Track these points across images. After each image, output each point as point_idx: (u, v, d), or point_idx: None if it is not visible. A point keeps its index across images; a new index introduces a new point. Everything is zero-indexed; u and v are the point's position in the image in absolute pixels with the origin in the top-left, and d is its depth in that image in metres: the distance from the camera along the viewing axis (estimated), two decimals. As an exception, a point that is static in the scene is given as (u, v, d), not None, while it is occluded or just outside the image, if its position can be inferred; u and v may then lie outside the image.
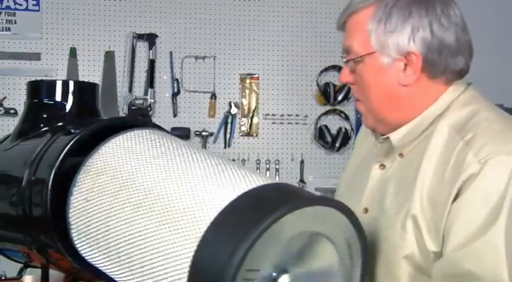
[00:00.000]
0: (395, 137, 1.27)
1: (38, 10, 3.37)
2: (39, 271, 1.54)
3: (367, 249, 1.13)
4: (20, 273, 1.68)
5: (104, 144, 1.38)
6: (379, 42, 1.21)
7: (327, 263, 1.09)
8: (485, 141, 1.15)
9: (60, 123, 1.58)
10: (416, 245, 1.19)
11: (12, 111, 3.31)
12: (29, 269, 1.68)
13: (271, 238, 0.96)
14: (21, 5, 3.36)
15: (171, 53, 3.51)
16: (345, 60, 1.28)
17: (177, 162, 1.14)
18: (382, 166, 1.32)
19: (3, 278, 1.67)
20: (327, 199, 1.09)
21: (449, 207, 1.14)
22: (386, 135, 1.29)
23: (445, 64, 1.22)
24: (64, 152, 1.40)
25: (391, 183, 1.28)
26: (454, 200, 1.14)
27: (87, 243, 1.29)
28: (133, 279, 1.11)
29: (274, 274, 1.01)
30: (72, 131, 1.49)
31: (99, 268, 1.25)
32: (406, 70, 1.21)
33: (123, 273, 1.16)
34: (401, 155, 1.28)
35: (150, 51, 3.48)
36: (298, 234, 1.02)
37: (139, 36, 3.47)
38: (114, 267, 1.19)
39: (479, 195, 1.12)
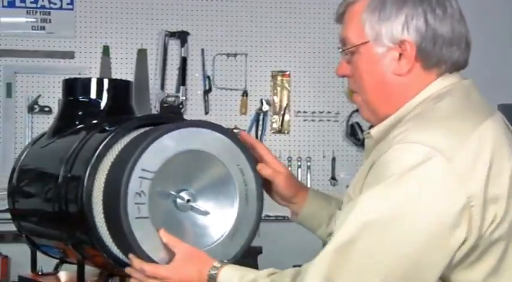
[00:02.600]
0: (375, 131, 1.26)
1: (72, 9, 3.41)
2: (74, 267, 1.56)
3: (258, 174, 1.45)
4: (56, 268, 1.70)
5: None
6: (373, 31, 1.21)
7: (224, 185, 1.41)
8: (408, 127, 1.14)
9: (95, 121, 1.60)
10: None
11: (46, 109, 3.34)
12: (64, 265, 1.70)
13: (156, 152, 1.32)
14: (55, 4, 3.40)
15: (202, 50, 3.52)
16: (340, 50, 1.28)
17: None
18: None
19: (40, 273, 1.69)
20: (196, 123, 1.41)
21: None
22: (368, 131, 1.28)
23: (439, 55, 1.20)
24: (99, 149, 1.41)
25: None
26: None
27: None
28: None
29: (173, 192, 1.37)
30: (107, 128, 1.51)
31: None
32: (400, 60, 1.20)
33: None
34: None
35: (182, 48, 3.48)
36: (186, 154, 1.36)
37: (171, 34, 3.48)
38: None
39: (375, 172, 1.12)
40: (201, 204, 1.40)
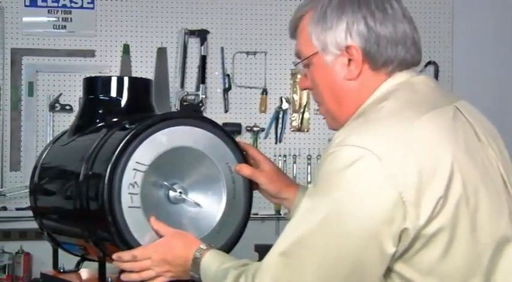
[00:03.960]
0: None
1: (93, 8, 3.43)
2: (96, 264, 1.57)
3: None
4: (78, 266, 1.71)
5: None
6: (319, 41, 1.27)
7: (213, 182, 1.50)
8: (348, 129, 1.18)
9: (115, 119, 1.60)
10: None
11: (67, 107, 3.37)
12: (86, 262, 1.71)
13: (150, 146, 1.42)
14: (76, 3, 3.43)
15: (222, 48, 3.53)
16: (294, 65, 1.35)
17: None
18: None
19: (61, 270, 1.70)
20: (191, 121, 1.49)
21: None
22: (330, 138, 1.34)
23: (385, 55, 1.25)
24: (120, 147, 1.42)
25: None
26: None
27: None
28: None
29: (166, 183, 1.46)
30: (127, 126, 1.51)
31: None
32: (349, 65, 1.26)
33: None
34: None
35: (202, 47, 3.49)
36: (178, 150, 1.45)
37: (191, 33, 3.49)
38: None
39: (316, 174, 1.19)
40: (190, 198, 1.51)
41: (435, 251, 1.13)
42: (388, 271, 1.16)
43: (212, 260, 1.34)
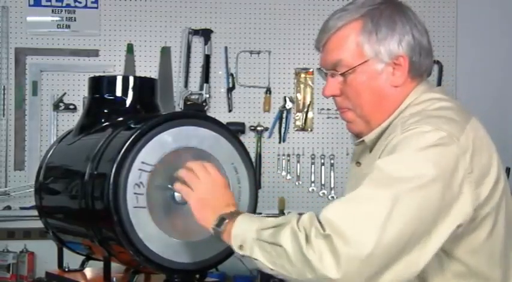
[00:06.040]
0: (368, 138, 1.40)
1: (97, 7, 3.43)
2: (100, 264, 1.57)
3: (254, 172, 1.57)
4: (82, 265, 1.72)
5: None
6: (373, 50, 1.34)
7: None
8: (414, 119, 1.28)
9: (120, 118, 1.61)
10: None
11: (71, 106, 3.37)
12: (90, 262, 1.71)
13: (156, 147, 1.43)
14: (80, 2, 3.42)
15: (226, 48, 3.52)
16: (340, 73, 1.38)
17: None
18: (358, 164, 1.46)
19: (66, 269, 1.71)
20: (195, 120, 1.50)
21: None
22: (361, 139, 1.41)
23: (424, 64, 1.37)
24: (125, 147, 1.42)
25: (363, 177, 1.38)
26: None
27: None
28: None
29: (169, 186, 1.44)
30: (133, 125, 1.52)
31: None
32: (394, 73, 1.35)
33: None
34: (371, 150, 1.42)
35: (206, 46, 3.49)
36: (184, 150, 1.46)
37: (195, 32, 3.49)
38: None
39: (390, 148, 1.25)
40: None
41: (483, 233, 1.27)
42: None
43: (250, 220, 1.31)
